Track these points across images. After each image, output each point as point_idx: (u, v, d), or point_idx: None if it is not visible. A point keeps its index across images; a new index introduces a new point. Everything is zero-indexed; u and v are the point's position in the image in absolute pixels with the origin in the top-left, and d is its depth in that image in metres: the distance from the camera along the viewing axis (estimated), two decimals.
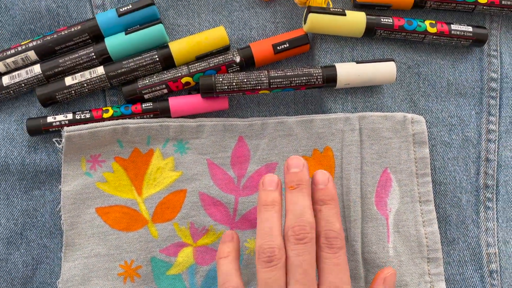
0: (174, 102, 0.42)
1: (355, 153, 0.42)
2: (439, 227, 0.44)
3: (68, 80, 0.42)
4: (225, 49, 0.43)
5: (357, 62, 0.43)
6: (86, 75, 0.42)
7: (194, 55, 0.42)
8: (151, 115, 0.42)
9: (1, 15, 0.43)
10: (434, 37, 0.43)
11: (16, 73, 0.42)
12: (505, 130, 0.46)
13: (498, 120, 0.45)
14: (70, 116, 0.41)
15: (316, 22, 0.42)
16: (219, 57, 0.42)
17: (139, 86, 0.42)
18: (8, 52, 0.41)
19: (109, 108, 0.42)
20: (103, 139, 0.41)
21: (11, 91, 0.42)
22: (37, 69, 0.42)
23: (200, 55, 0.42)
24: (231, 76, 0.41)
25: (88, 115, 0.42)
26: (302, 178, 0.36)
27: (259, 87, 0.41)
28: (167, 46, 0.42)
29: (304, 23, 0.43)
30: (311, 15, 0.41)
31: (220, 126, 0.43)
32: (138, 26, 0.42)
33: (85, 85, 0.41)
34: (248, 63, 0.43)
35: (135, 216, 0.42)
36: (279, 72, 0.42)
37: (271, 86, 0.42)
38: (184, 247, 0.42)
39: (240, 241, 0.41)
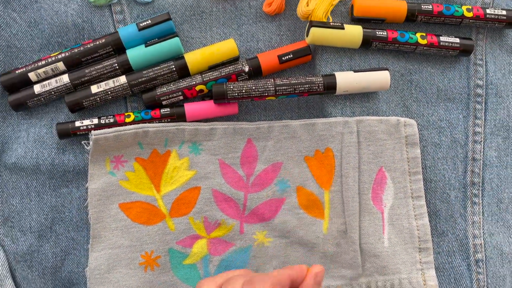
0: (189, 108, 0.43)
1: (353, 153, 0.43)
2: (429, 221, 0.44)
3: (94, 88, 0.43)
4: (235, 60, 0.44)
5: (355, 71, 0.43)
6: (110, 83, 0.43)
7: (207, 65, 0.43)
8: (169, 120, 0.43)
9: (31, 29, 0.44)
10: (424, 48, 0.44)
11: (46, 82, 0.42)
12: (490, 132, 0.46)
13: (483, 123, 0.46)
14: (96, 121, 0.42)
15: (317, 35, 0.42)
16: (229, 67, 0.43)
17: (158, 94, 0.43)
18: (39, 63, 0.42)
19: (131, 114, 0.43)
20: (126, 141, 0.42)
21: (42, 98, 0.43)
22: (65, 78, 0.43)
23: (212, 65, 0.43)
24: (240, 84, 0.42)
25: (111, 120, 0.43)
26: None
27: (266, 94, 0.42)
28: (182, 57, 0.43)
29: (307, 36, 0.44)
30: (312, 29, 0.42)
31: (230, 129, 0.43)
32: (156, 39, 0.43)
33: (109, 92, 0.42)
34: (256, 72, 0.43)
35: (154, 211, 0.43)
36: (284, 80, 0.43)
37: (277, 93, 0.43)
38: (198, 239, 0.43)
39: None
